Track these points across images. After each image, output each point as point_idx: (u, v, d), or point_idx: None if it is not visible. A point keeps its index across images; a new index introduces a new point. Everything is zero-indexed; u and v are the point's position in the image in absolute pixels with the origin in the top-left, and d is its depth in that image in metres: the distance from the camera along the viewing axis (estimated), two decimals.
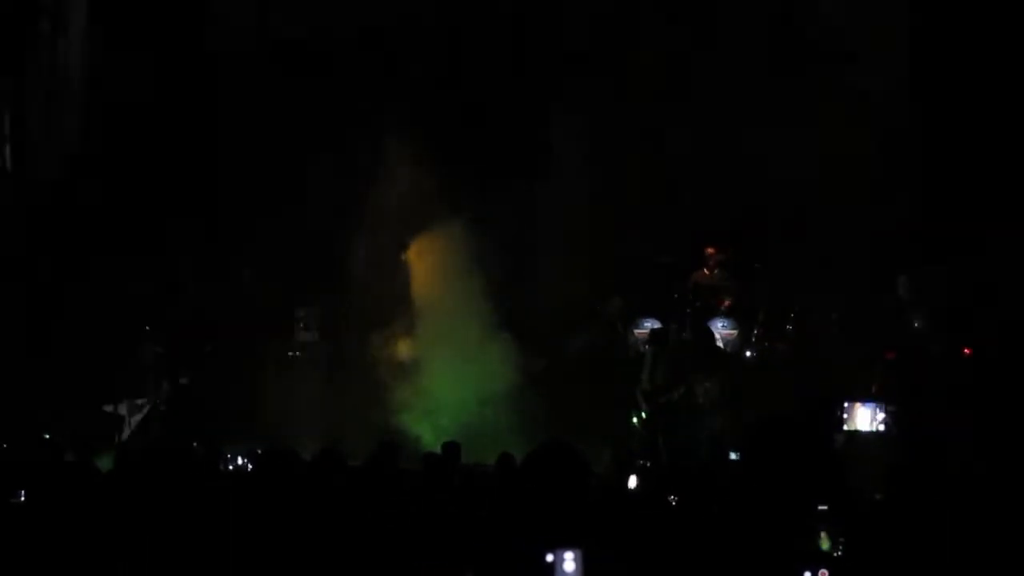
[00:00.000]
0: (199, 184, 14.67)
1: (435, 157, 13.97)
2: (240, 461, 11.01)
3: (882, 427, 12.22)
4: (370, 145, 14.40)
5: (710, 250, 14.89)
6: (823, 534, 3.77)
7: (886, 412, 12.24)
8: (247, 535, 5.29)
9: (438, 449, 10.26)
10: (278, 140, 14.69)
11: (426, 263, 14.52)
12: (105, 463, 8.04)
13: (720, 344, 14.29)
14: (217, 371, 14.60)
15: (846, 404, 12.24)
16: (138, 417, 13.93)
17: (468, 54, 14.91)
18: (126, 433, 13.74)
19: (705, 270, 14.94)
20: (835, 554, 3.72)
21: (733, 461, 10.85)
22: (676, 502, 6.24)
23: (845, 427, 12.16)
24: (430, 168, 13.94)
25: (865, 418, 12.29)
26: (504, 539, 3.93)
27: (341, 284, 14.34)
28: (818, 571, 3.61)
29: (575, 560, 3.30)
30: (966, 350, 12.65)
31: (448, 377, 14.21)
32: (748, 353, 14.44)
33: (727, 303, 14.77)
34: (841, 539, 3.75)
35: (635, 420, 13.59)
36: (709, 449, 12.29)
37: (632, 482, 8.55)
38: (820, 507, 3.76)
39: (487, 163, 14.46)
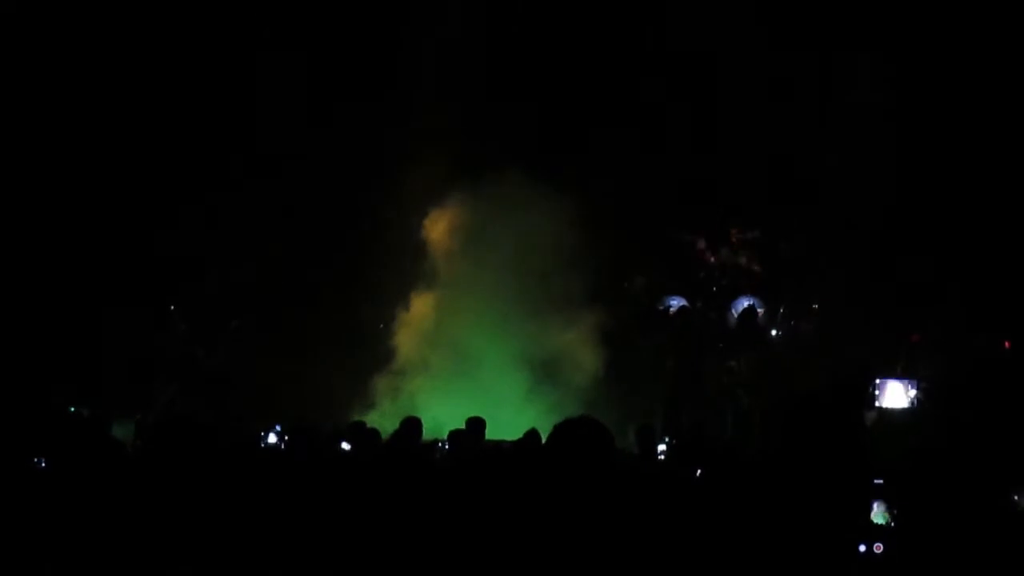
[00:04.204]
0: (222, 153, 14.35)
1: (464, 132, 13.70)
2: (272, 439, 10.84)
3: (915, 403, 12.12)
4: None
5: (735, 229, 14.72)
6: (877, 508, 3.64)
7: (918, 388, 12.14)
8: (280, 509, 5.21)
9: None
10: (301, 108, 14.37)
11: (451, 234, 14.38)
12: (119, 432, 7.98)
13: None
14: (243, 348, 14.42)
15: (878, 381, 12.15)
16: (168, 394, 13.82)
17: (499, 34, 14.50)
18: (153, 409, 13.60)
19: (731, 249, 14.77)
20: (890, 525, 3.60)
21: (766, 440, 10.69)
22: (702, 476, 6.12)
23: (877, 403, 12.06)
24: (457, 143, 13.70)
25: (897, 394, 12.20)
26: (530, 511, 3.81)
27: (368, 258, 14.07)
28: (873, 545, 3.49)
29: None
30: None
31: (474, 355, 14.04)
32: (774, 332, 14.33)
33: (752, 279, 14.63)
34: (895, 511, 3.63)
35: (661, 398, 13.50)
36: (736, 425, 12.18)
37: (661, 447, 8.44)
38: (876, 481, 3.64)
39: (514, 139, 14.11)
